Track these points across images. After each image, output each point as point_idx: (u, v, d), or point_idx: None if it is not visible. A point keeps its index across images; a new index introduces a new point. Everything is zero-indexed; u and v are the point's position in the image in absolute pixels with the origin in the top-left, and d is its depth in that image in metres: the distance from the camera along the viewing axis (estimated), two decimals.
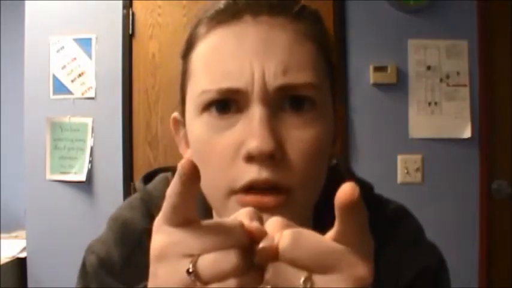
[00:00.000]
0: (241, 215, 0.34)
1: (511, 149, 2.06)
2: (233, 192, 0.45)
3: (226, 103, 0.45)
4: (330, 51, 0.50)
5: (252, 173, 0.43)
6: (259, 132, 0.42)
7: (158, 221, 0.34)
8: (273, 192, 0.44)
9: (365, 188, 0.60)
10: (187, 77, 0.50)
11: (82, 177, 2.08)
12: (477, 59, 2.05)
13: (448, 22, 2.06)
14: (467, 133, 2.03)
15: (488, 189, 2.05)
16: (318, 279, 0.31)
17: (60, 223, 2.08)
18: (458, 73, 2.05)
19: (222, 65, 0.45)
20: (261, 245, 0.32)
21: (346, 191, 0.30)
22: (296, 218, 0.45)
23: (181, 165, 0.31)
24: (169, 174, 0.62)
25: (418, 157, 2.04)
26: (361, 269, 0.32)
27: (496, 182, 2.06)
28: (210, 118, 0.46)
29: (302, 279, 0.31)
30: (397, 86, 2.05)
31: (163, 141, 2.10)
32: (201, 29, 0.49)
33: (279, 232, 0.32)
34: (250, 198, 0.44)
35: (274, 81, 0.44)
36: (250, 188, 0.44)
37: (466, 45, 2.06)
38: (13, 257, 2.16)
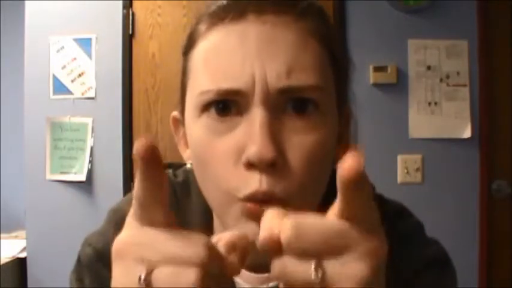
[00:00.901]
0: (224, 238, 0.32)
1: (511, 149, 2.06)
2: (236, 200, 0.43)
3: (226, 104, 0.43)
4: (336, 49, 0.48)
5: (254, 183, 0.42)
6: (260, 138, 0.41)
7: (129, 215, 0.32)
8: (273, 203, 0.42)
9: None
10: (187, 75, 0.49)
11: (82, 177, 2.08)
12: (477, 59, 2.05)
13: (448, 22, 2.06)
14: (467, 133, 2.03)
15: (488, 189, 2.05)
16: (329, 264, 0.29)
17: (60, 223, 2.08)
18: (458, 73, 2.05)
19: (223, 65, 0.44)
20: (261, 236, 0.30)
21: (349, 164, 0.27)
22: None
23: (136, 149, 0.28)
24: (169, 171, 0.60)
25: (418, 157, 2.04)
26: (373, 242, 0.30)
27: (496, 182, 2.06)
28: (210, 120, 0.44)
29: (312, 268, 0.29)
30: (397, 86, 2.05)
31: (163, 141, 2.10)
32: (202, 26, 0.47)
33: (278, 223, 0.30)
34: (251, 205, 0.42)
35: (276, 83, 0.42)
36: (252, 198, 0.43)
37: (466, 45, 2.05)
38: (13, 257, 2.16)
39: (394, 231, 0.56)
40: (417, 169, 2.04)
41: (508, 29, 2.07)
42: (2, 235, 2.41)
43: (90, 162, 2.09)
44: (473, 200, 2.04)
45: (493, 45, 2.07)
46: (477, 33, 2.06)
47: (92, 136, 2.10)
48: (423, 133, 2.05)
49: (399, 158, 2.04)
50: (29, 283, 2.09)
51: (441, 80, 2.06)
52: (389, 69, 2.03)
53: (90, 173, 2.09)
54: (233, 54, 0.43)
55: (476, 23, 2.06)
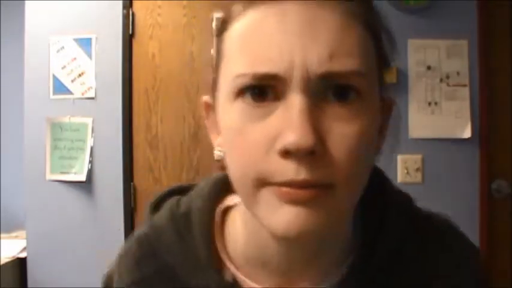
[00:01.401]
0: None
1: (511, 149, 2.06)
2: (266, 183, 0.41)
3: (263, 89, 0.41)
4: (381, 35, 0.46)
5: (289, 172, 0.39)
6: (298, 125, 0.38)
7: None
8: (316, 188, 0.40)
9: (405, 202, 0.57)
10: (220, 57, 0.46)
11: (82, 177, 2.08)
12: (477, 59, 2.05)
13: (448, 22, 2.06)
14: (467, 133, 2.03)
15: (488, 189, 2.05)
16: None
17: (60, 223, 2.08)
18: (458, 73, 2.05)
19: (260, 47, 0.41)
20: None
21: None
22: (335, 213, 0.42)
23: None
24: (174, 201, 0.57)
25: (418, 157, 2.04)
26: None
27: (496, 182, 2.06)
28: (245, 105, 0.41)
29: None
30: (397, 86, 2.04)
31: (163, 141, 2.10)
32: (238, 6, 0.44)
33: None
34: (286, 189, 0.40)
35: (318, 67, 0.39)
36: (287, 186, 0.40)
37: (466, 45, 2.05)
38: (13, 257, 2.16)
39: (437, 257, 0.54)
40: (417, 169, 2.04)
41: (508, 29, 2.07)
42: (2, 235, 2.40)
43: (90, 162, 2.09)
44: (473, 200, 2.04)
45: (493, 45, 2.07)
46: (477, 33, 2.06)
47: (92, 136, 2.10)
48: (423, 133, 2.05)
49: (399, 158, 2.04)
50: (29, 283, 2.09)
51: (441, 80, 2.05)
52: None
53: (90, 173, 2.09)
54: (271, 36, 0.40)
55: (476, 23, 2.06)
